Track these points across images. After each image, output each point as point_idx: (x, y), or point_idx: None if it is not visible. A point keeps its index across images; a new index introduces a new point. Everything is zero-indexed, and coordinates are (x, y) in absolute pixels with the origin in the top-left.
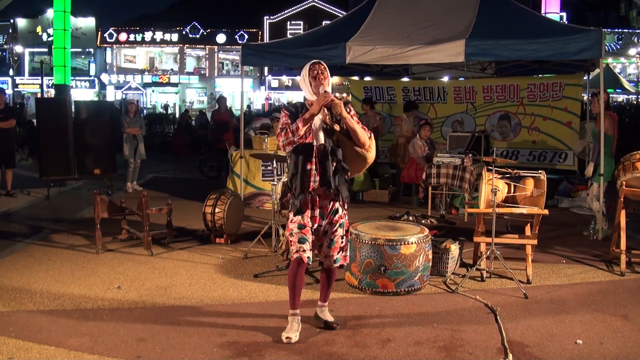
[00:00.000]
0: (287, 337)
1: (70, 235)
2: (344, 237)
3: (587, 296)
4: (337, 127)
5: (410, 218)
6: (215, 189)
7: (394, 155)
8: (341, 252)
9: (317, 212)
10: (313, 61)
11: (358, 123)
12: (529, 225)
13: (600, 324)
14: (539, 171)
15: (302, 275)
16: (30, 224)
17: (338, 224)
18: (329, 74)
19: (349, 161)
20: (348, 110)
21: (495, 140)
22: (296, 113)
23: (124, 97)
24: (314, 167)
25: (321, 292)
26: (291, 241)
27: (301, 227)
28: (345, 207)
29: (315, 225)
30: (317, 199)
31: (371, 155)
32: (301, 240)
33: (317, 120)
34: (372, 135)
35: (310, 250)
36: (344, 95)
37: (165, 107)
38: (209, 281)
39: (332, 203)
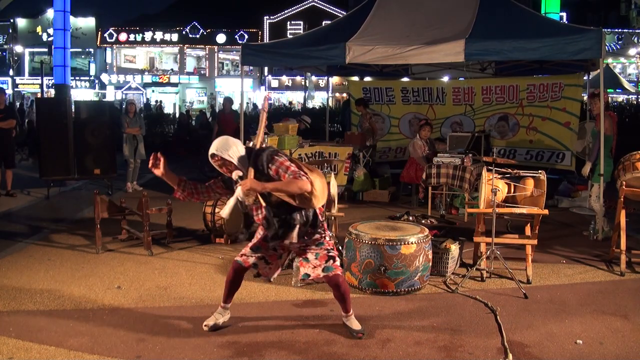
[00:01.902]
0: (205, 325)
1: (70, 235)
2: (331, 250)
3: (587, 296)
4: (249, 200)
5: (410, 218)
6: None
7: None
8: (330, 260)
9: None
10: (210, 152)
11: (288, 169)
12: (529, 225)
13: (600, 324)
14: (539, 171)
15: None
16: (30, 224)
17: (315, 244)
18: (231, 157)
19: (300, 201)
20: (266, 167)
21: (493, 139)
22: (229, 182)
23: (124, 97)
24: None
25: (339, 305)
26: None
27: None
28: (318, 235)
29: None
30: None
31: (318, 194)
32: (253, 249)
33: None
34: (307, 175)
35: (258, 258)
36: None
37: (159, 107)
38: (209, 281)
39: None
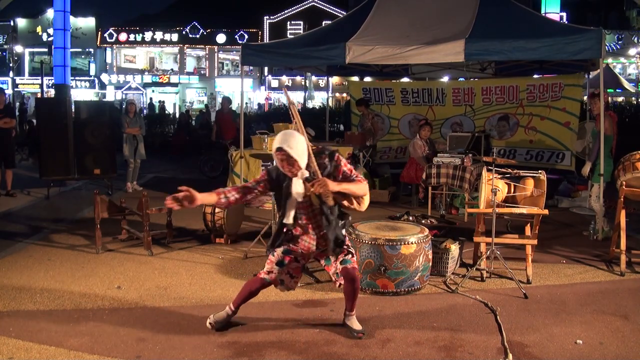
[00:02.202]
0: (209, 323)
1: (70, 235)
2: (350, 247)
3: (587, 296)
4: (330, 202)
5: (410, 218)
6: (216, 189)
7: None
8: (349, 255)
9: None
10: (277, 145)
11: (351, 172)
12: (529, 225)
13: (600, 324)
14: (539, 171)
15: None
16: (30, 224)
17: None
18: (297, 155)
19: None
20: (334, 168)
21: (493, 139)
22: (276, 181)
23: (124, 97)
24: (310, 228)
25: (345, 302)
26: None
27: (287, 252)
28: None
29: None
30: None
31: (367, 199)
32: (279, 264)
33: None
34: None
35: (285, 274)
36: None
37: (162, 107)
38: (209, 281)
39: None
